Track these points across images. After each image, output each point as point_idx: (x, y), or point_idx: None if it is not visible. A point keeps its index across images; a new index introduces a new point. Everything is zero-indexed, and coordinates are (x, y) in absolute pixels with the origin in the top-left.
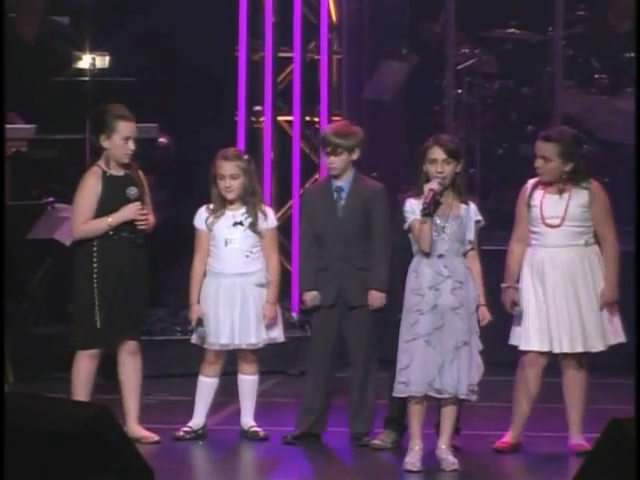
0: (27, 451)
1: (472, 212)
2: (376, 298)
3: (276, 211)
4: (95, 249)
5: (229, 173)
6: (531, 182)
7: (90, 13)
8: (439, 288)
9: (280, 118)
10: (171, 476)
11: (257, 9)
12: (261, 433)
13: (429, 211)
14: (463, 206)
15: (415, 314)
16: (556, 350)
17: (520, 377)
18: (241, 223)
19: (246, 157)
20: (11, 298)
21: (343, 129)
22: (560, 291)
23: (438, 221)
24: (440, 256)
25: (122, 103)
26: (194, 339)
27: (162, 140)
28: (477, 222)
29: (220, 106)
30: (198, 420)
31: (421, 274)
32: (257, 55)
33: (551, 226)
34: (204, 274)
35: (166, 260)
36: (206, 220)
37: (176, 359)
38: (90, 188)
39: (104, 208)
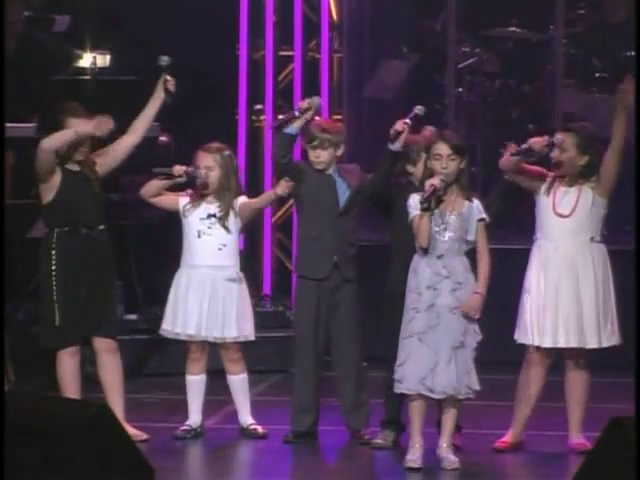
0: (27, 450)
1: (475, 210)
2: None
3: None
4: (54, 246)
5: (204, 165)
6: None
7: (90, 13)
8: (437, 288)
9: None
10: (171, 475)
11: (258, 8)
12: (260, 431)
13: (428, 206)
14: (466, 203)
15: (412, 312)
16: (546, 344)
17: (524, 376)
18: (215, 215)
19: (227, 152)
20: (11, 298)
21: (329, 124)
22: (562, 284)
23: (440, 218)
24: (439, 256)
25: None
26: None
27: (163, 139)
28: (482, 220)
29: (221, 105)
30: (195, 418)
31: (420, 273)
32: (258, 54)
33: (561, 215)
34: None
35: (165, 260)
36: (184, 205)
37: (176, 359)
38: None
39: (60, 200)
